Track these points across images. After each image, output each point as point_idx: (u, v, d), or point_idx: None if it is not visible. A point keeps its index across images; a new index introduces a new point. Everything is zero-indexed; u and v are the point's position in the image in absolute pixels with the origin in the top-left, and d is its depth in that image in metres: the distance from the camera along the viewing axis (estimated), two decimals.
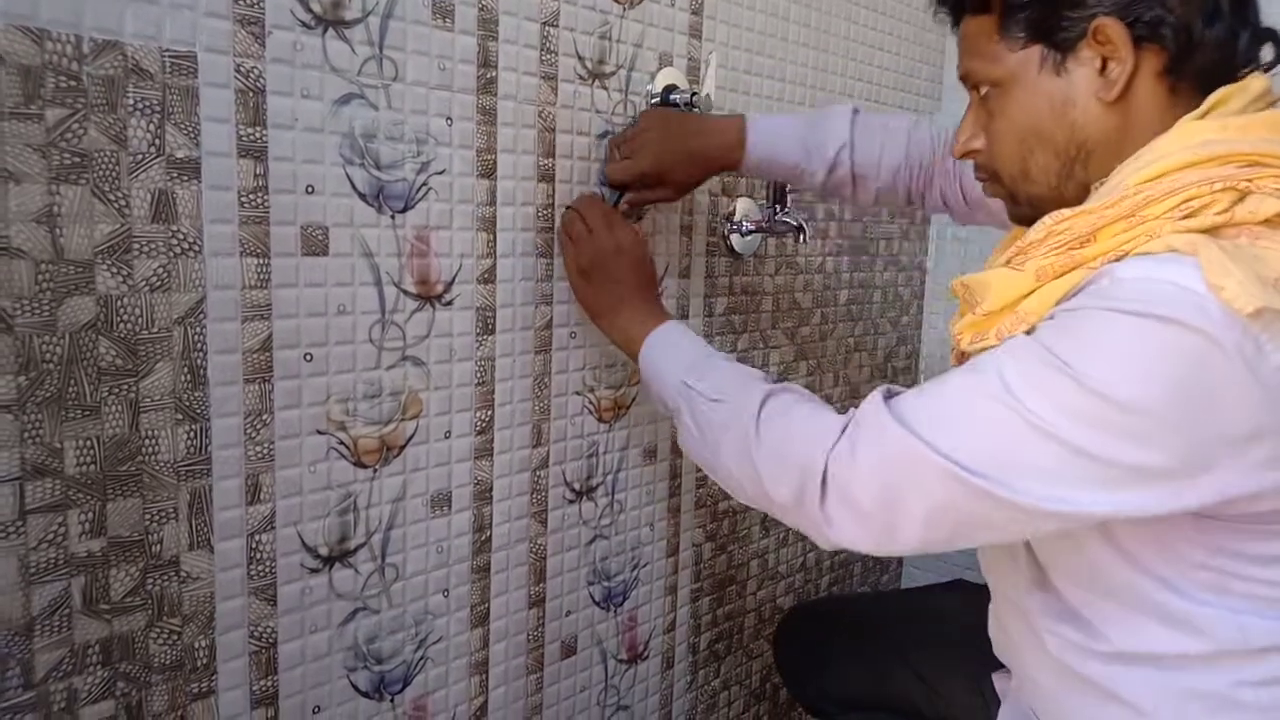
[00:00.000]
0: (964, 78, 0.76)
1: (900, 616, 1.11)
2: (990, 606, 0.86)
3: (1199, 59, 0.66)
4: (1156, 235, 0.62)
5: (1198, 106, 0.66)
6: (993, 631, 0.86)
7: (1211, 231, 0.61)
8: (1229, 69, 0.67)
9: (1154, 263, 0.61)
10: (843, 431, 0.71)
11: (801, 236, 1.17)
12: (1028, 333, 0.66)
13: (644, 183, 1.01)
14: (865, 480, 0.68)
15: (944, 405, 0.67)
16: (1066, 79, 0.69)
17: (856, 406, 0.73)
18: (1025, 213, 0.75)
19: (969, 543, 0.70)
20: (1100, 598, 0.71)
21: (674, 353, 0.88)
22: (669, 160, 1.00)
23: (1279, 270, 0.59)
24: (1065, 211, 0.67)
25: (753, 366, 0.87)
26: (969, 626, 0.91)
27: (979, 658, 0.89)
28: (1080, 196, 0.71)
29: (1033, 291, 0.68)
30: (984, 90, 0.74)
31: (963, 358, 0.75)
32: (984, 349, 0.69)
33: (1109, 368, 0.60)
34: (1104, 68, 0.68)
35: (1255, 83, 0.67)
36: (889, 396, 0.70)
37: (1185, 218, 0.62)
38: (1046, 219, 0.68)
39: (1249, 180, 0.62)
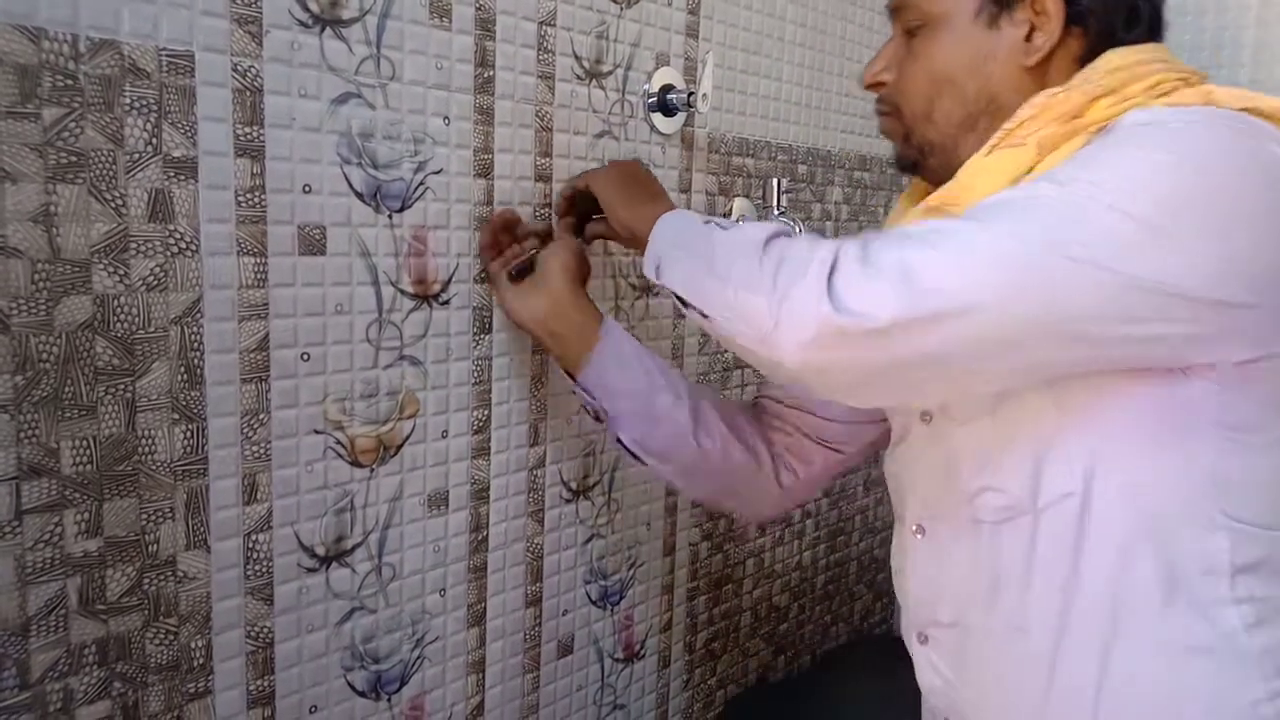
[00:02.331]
0: (895, 9, 0.77)
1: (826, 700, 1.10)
2: (923, 652, 0.81)
3: (1108, 48, 0.71)
4: (1151, 101, 0.66)
5: None
6: (930, 677, 0.81)
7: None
8: None
9: (1170, 107, 0.64)
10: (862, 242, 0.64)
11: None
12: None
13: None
14: (888, 252, 0.61)
15: (999, 208, 0.62)
16: (995, 34, 0.72)
17: None
18: (913, 156, 0.77)
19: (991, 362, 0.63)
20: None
21: (689, 221, 0.80)
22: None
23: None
24: (1055, 90, 0.69)
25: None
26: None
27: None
28: (975, 149, 0.72)
29: (1033, 167, 0.67)
30: (913, 26, 0.75)
31: None
32: None
33: (1174, 153, 0.60)
34: (1030, 35, 0.72)
35: None
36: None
37: (1159, 96, 0.66)
38: (1036, 98, 0.69)
39: (1200, 78, 0.68)
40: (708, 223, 0.77)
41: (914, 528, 0.81)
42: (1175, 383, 0.63)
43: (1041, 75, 0.72)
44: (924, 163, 0.77)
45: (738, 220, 1.19)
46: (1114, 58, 0.70)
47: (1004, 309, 0.59)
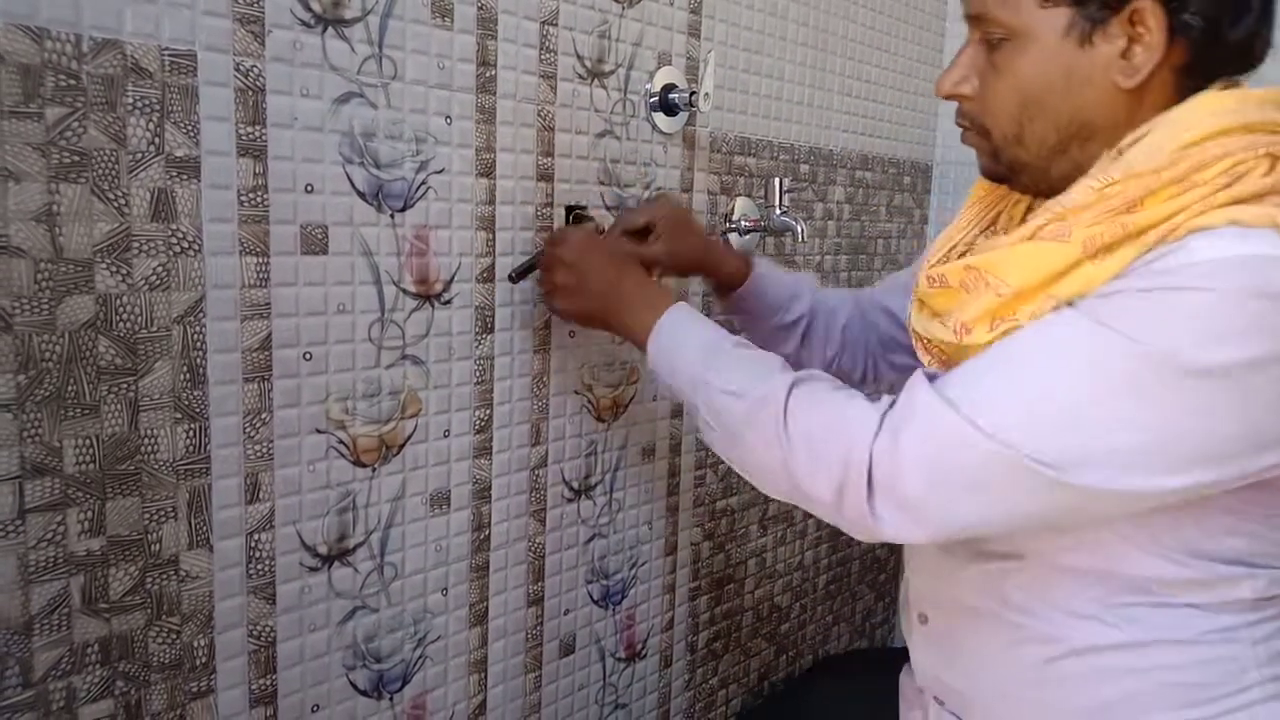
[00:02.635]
0: (974, 17, 0.70)
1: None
2: (921, 635, 0.83)
3: (1218, 57, 0.65)
4: (1211, 204, 0.60)
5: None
6: (932, 662, 0.82)
7: (1258, 198, 0.60)
8: (1238, 70, 0.67)
9: (1226, 238, 0.59)
10: (882, 419, 0.66)
11: (799, 235, 1.17)
12: (1071, 307, 0.63)
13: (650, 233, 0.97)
14: (914, 472, 0.63)
15: (1003, 389, 0.63)
16: (1089, 53, 0.65)
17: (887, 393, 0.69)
18: (1001, 172, 0.73)
19: (1023, 526, 0.67)
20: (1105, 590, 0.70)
21: (683, 344, 0.81)
22: (690, 260, 1.00)
23: None
24: (1114, 174, 0.63)
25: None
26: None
27: None
28: (1067, 173, 0.68)
29: (1073, 269, 0.63)
30: (995, 38, 0.68)
31: (957, 353, 0.70)
32: (1007, 333, 0.65)
33: (1207, 347, 0.58)
34: (1127, 51, 0.65)
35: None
36: (932, 379, 0.66)
37: (1232, 182, 0.60)
38: (1092, 183, 0.64)
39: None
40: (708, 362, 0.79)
41: None
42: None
43: (1139, 95, 0.66)
44: (1014, 180, 0.73)
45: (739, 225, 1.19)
46: (1193, 118, 0.63)
47: (1009, 523, 0.66)
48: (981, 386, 0.63)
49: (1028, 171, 0.71)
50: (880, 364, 1.05)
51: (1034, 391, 0.61)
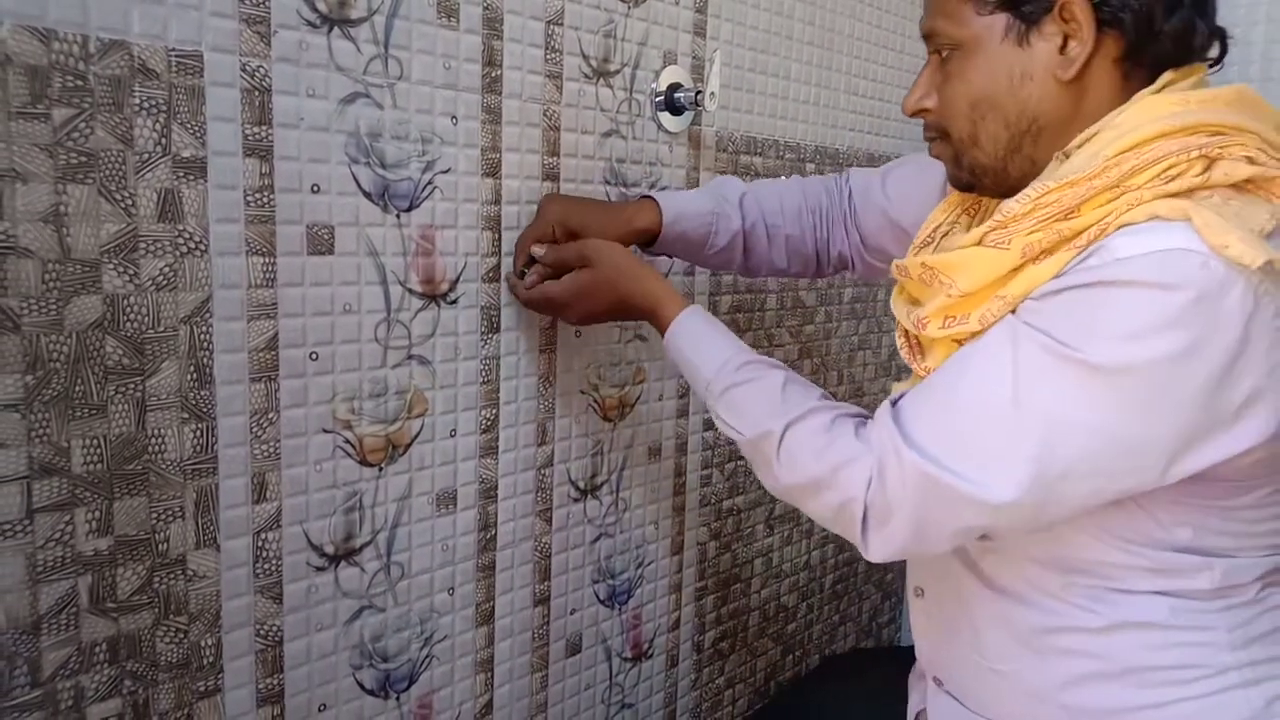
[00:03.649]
0: (927, 36, 0.76)
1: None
2: (918, 608, 0.86)
3: (1156, 48, 0.68)
4: (1139, 203, 0.63)
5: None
6: (928, 638, 0.85)
7: (1188, 195, 0.63)
8: (1181, 60, 0.69)
9: (1145, 233, 0.62)
10: (872, 466, 0.70)
11: None
12: (1014, 313, 0.67)
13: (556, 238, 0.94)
14: (899, 510, 0.68)
15: (950, 419, 0.67)
16: (1028, 52, 0.70)
17: (865, 404, 0.73)
18: (965, 179, 0.76)
19: (1001, 536, 0.72)
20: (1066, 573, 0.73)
21: (689, 365, 0.84)
22: (576, 217, 0.95)
23: (1263, 224, 0.61)
24: (1049, 183, 0.66)
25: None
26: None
27: None
28: (1025, 172, 0.72)
29: (1016, 272, 0.67)
30: (945, 52, 0.74)
31: (924, 342, 0.76)
32: (961, 333, 0.70)
33: (1120, 344, 0.61)
34: (1064, 46, 0.69)
35: (1197, 70, 0.70)
36: (896, 406, 0.71)
37: (1166, 184, 0.63)
38: (1030, 191, 0.67)
39: (1220, 148, 0.64)
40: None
41: None
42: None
43: (1079, 87, 0.70)
44: (978, 184, 0.76)
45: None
46: (1133, 123, 0.66)
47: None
48: (941, 423, 0.68)
49: (989, 174, 0.74)
50: (857, 263, 1.04)
51: (980, 419, 0.66)
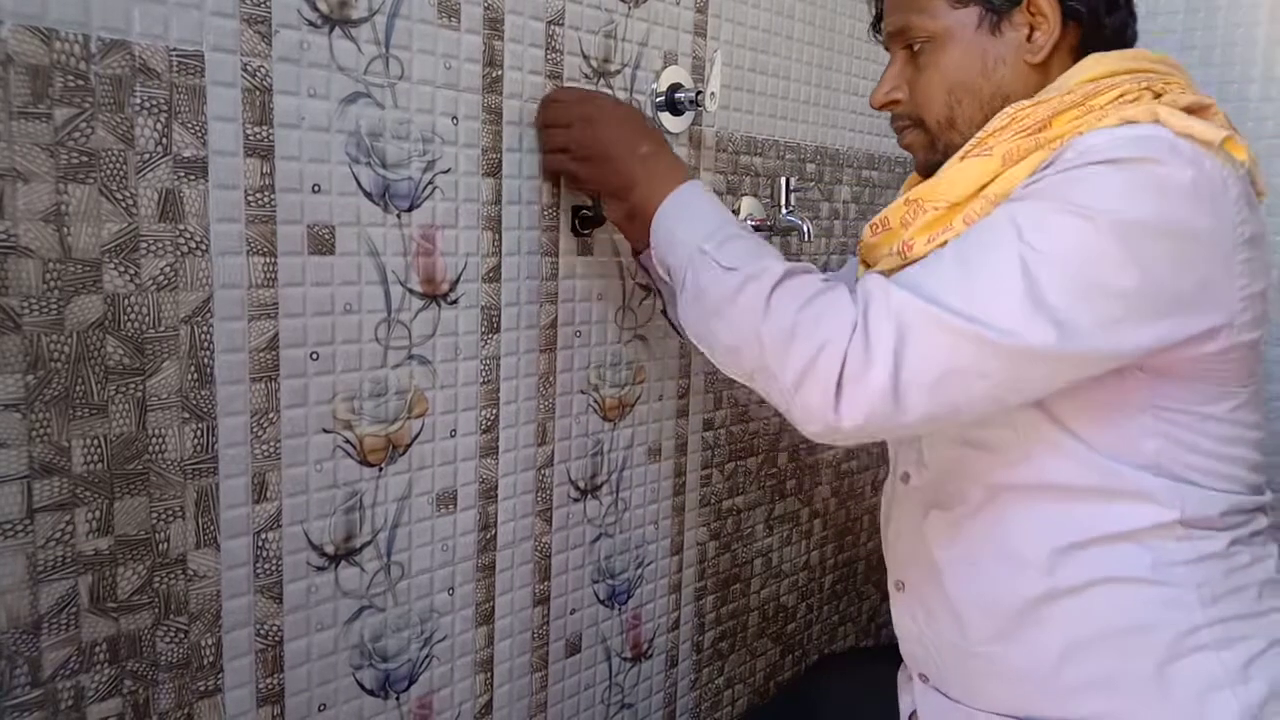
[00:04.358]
0: (894, 34, 0.83)
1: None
2: (900, 602, 0.88)
3: (1101, 38, 0.80)
4: (1105, 117, 0.71)
5: None
6: (911, 632, 0.87)
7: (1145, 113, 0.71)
8: (1118, 46, 0.81)
9: (1118, 130, 0.70)
10: (858, 320, 0.68)
11: (805, 235, 1.17)
12: (998, 207, 0.72)
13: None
14: (880, 353, 0.66)
15: (942, 266, 0.70)
16: (999, 39, 0.79)
17: None
18: (939, 160, 0.81)
19: (976, 411, 0.69)
20: (1039, 496, 0.76)
21: (692, 218, 0.81)
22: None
23: (1215, 131, 0.70)
24: (1024, 102, 0.76)
25: None
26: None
27: None
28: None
29: (997, 176, 0.74)
30: (916, 45, 0.81)
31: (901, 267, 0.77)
32: (945, 241, 0.74)
33: (1105, 203, 0.66)
34: (1030, 35, 0.79)
35: None
36: (889, 279, 0.71)
37: (1124, 105, 0.72)
38: (1007, 109, 0.76)
39: (1164, 83, 0.75)
40: (710, 244, 0.78)
41: (902, 475, 0.88)
42: (1111, 382, 0.72)
43: (1045, 68, 0.80)
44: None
45: (745, 220, 1.18)
46: (1090, 66, 0.77)
47: (958, 408, 0.68)
48: (937, 270, 0.70)
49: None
50: None
51: (971, 263, 0.68)
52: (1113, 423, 0.72)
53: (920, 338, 0.65)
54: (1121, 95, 0.73)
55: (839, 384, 0.66)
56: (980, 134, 0.77)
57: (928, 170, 0.83)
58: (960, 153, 0.78)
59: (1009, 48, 0.79)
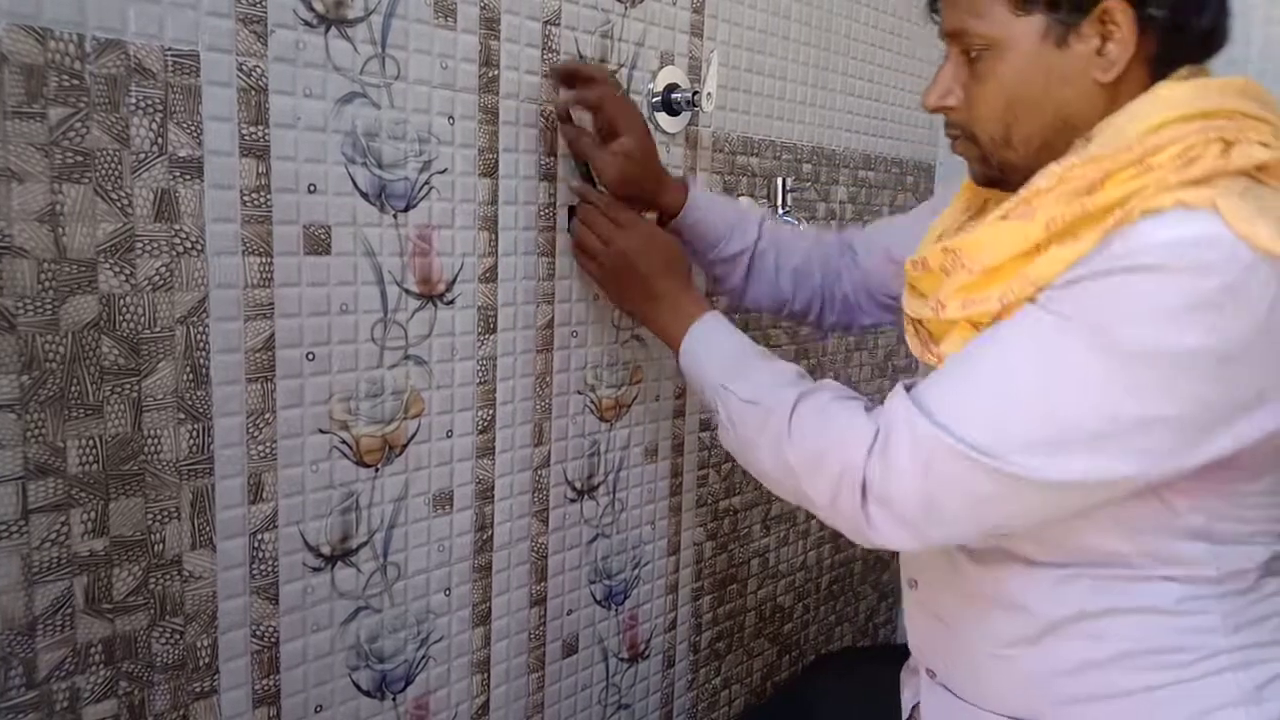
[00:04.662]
0: (952, 34, 0.73)
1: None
2: (912, 599, 0.87)
3: (1185, 46, 0.69)
4: (1164, 186, 0.63)
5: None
6: (918, 624, 0.86)
7: (1207, 180, 0.63)
8: (1202, 56, 0.71)
9: (1171, 219, 0.61)
10: (875, 435, 0.70)
11: None
12: (1034, 302, 0.66)
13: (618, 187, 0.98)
14: (902, 483, 0.67)
15: (972, 395, 0.66)
16: (1066, 53, 0.69)
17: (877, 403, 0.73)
18: (994, 175, 0.76)
19: (1015, 529, 0.71)
20: (1071, 565, 0.73)
21: (711, 352, 0.87)
22: (639, 188, 0.98)
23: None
24: (1073, 159, 0.67)
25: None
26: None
27: None
28: None
29: (1039, 248, 0.67)
30: (975, 52, 0.72)
31: (938, 329, 0.74)
32: (981, 314, 0.69)
33: (1144, 328, 0.61)
34: (1102, 47, 0.68)
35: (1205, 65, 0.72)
36: (910, 390, 0.70)
37: (1186, 165, 0.63)
38: (1055, 166, 0.68)
39: (1237, 132, 0.65)
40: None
41: None
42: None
43: (1115, 87, 0.69)
44: (1006, 182, 0.75)
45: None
46: (1154, 109, 0.67)
47: (1000, 527, 0.70)
48: (957, 394, 0.67)
49: (1018, 172, 0.73)
50: (862, 304, 1.06)
51: (1002, 395, 0.65)
52: (1160, 500, 0.69)
53: (947, 477, 0.66)
54: (1186, 151, 0.64)
55: (864, 507, 0.69)
56: (1024, 192, 0.69)
57: (985, 183, 0.78)
58: (1002, 210, 0.70)
59: (1076, 63, 0.69)
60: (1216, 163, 0.63)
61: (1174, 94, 0.67)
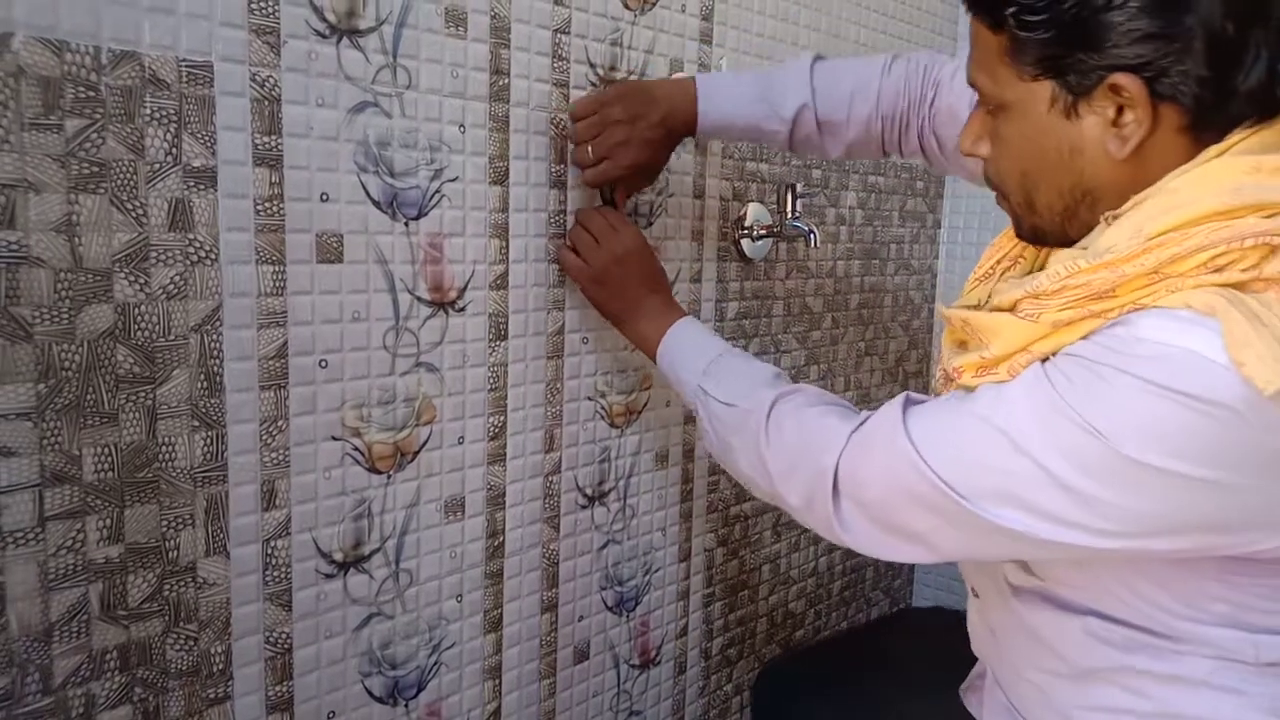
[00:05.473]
0: (973, 86, 0.69)
1: (872, 660, 1.16)
2: (973, 606, 0.86)
3: (1228, 109, 0.59)
4: (1179, 289, 0.58)
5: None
6: (976, 631, 0.86)
7: (1239, 287, 0.57)
8: (1260, 114, 0.60)
9: (1173, 323, 0.57)
10: (851, 435, 0.71)
11: (812, 241, 1.17)
12: (1043, 362, 0.64)
13: (622, 179, 0.98)
14: (873, 485, 0.69)
15: (952, 430, 0.66)
16: (1076, 125, 0.63)
17: (871, 407, 0.73)
18: (1027, 237, 0.72)
19: (976, 558, 0.72)
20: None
21: (687, 354, 0.89)
22: (645, 155, 0.96)
23: (1274, 369, 0.53)
24: (1081, 263, 0.61)
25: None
26: (935, 653, 0.96)
27: (951, 682, 0.93)
28: (1084, 232, 0.67)
29: (1045, 337, 0.64)
30: (990, 106, 0.68)
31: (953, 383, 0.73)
32: (990, 381, 0.68)
33: (1127, 433, 0.57)
34: (1119, 116, 0.61)
35: (1277, 120, 0.60)
36: (909, 405, 0.70)
37: (1212, 274, 0.57)
38: (1059, 269, 0.62)
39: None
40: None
41: None
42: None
43: (1139, 158, 0.62)
44: (1041, 241, 0.72)
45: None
46: (1177, 204, 0.59)
47: (962, 554, 0.72)
48: (941, 425, 0.67)
49: (1050, 235, 0.70)
50: (923, 143, 0.98)
51: (977, 439, 0.64)
52: (1178, 579, 0.65)
53: (912, 494, 0.66)
54: (1214, 259, 0.56)
55: (835, 505, 0.71)
56: (1031, 284, 0.64)
57: (1023, 239, 0.74)
58: (1014, 298, 0.66)
59: (1089, 135, 0.62)
60: (1245, 274, 0.56)
61: (1214, 177, 0.59)
